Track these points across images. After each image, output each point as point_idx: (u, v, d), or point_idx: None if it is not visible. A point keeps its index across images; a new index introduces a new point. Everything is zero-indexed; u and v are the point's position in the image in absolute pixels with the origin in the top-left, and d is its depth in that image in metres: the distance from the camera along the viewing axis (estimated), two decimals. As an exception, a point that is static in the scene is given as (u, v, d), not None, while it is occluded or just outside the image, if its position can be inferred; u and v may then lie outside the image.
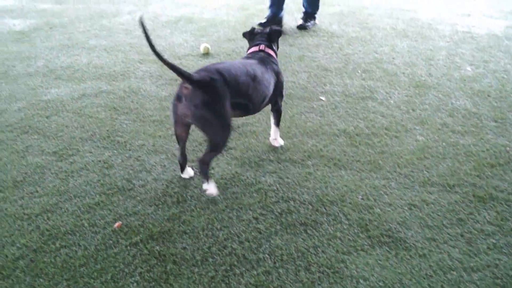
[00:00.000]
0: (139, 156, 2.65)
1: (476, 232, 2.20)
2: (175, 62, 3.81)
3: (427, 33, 4.68)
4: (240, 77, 2.29)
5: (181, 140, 2.36)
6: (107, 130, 2.90)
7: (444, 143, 2.88)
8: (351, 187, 2.46)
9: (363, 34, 4.62)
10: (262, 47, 2.68)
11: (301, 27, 4.67)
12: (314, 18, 4.69)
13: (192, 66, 3.79)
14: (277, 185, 2.45)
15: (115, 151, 2.70)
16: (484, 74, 3.85)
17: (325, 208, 2.31)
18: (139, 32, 4.57)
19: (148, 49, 4.02)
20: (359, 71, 3.79)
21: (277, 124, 2.75)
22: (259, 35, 2.79)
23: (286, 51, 4.16)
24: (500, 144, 2.90)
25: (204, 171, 2.27)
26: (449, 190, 2.47)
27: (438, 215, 2.30)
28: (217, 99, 2.15)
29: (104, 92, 3.38)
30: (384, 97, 3.41)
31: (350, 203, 2.35)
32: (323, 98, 3.36)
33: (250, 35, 2.85)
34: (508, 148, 2.85)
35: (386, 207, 2.34)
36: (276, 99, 2.65)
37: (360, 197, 2.40)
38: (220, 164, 2.60)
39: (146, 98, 3.29)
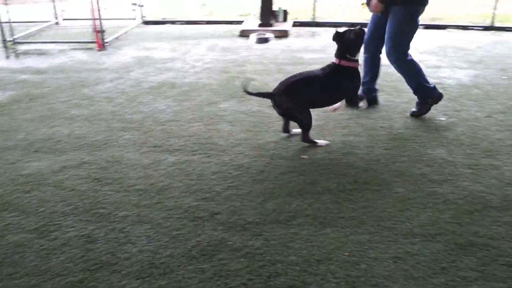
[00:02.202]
0: (124, 228, 2.65)
1: (459, 279, 2.25)
2: (158, 129, 3.91)
3: (401, 87, 4.81)
4: None
5: None
6: (90, 203, 2.90)
7: (423, 193, 2.96)
8: (337, 245, 2.49)
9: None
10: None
11: (413, 114, 4.15)
12: (428, 97, 4.10)
13: (175, 132, 3.86)
14: (264, 248, 2.47)
15: (98, 223, 2.70)
16: (457, 123, 3.99)
17: (312, 268, 2.33)
18: (121, 99, 4.66)
19: (131, 116, 4.14)
20: (340, 128, 3.89)
21: None
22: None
23: (266, 112, 4.26)
24: (477, 190, 2.99)
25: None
26: (431, 240, 2.53)
27: (422, 265, 2.34)
28: None
29: (86, 163, 3.40)
30: (364, 152, 3.50)
31: (337, 260, 2.38)
32: (305, 157, 3.43)
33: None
34: (483, 194, 2.95)
35: (371, 262, 2.37)
36: None
37: (346, 253, 2.43)
38: (206, 230, 2.62)
39: (129, 167, 3.32)
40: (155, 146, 3.63)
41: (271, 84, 4.99)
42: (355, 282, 2.23)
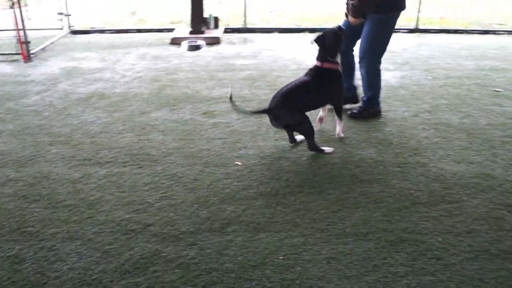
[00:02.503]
0: (53, 246, 2.57)
1: (390, 275, 2.35)
2: (87, 141, 3.82)
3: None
4: None
5: None
6: (17, 221, 2.79)
7: (355, 194, 3.05)
8: (272, 249, 2.53)
9: (271, 96, 4.79)
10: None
11: (351, 115, 4.33)
12: (371, 108, 4.32)
13: (106, 144, 3.79)
14: (199, 257, 2.47)
15: (26, 243, 2.60)
16: (385, 123, 4.15)
17: (248, 274, 2.35)
18: (48, 112, 4.52)
19: (59, 129, 4.02)
20: (272, 132, 3.95)
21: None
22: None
23: (199, 120, 4.25)
24: (405, 188, 3.13)
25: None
26: (363, 239, 2.62)
27: (355, 264, 2.42)
28: None
29: (12, 180, 3.27)
30: (296, 156, 3.57)
31: (271, 265, 2.41)
32: (238, 163, 3.46)
33: None
34: (412, 191, 3.09)
35: (306, 264, 2.42)
36: None
37: (281, 257, 2.46)
38: (139, 243, 2.58)
39: (58, 182, 3.22)
40: (84, 160, 3.54)
41: (204, 92, 5.01)
42: (290, 285, 2.27)
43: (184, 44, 6.99)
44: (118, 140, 3.86)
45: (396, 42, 7.23)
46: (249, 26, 8.24)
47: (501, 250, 2.54)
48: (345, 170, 3.35)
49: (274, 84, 5.18)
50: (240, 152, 3.63)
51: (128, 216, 2.83)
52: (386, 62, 6.07)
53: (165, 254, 2.49)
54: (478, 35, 7.95)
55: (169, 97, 4.86)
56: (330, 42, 3.59)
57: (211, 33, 7.55)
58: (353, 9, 3.93)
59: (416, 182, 3.19)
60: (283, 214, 2.83)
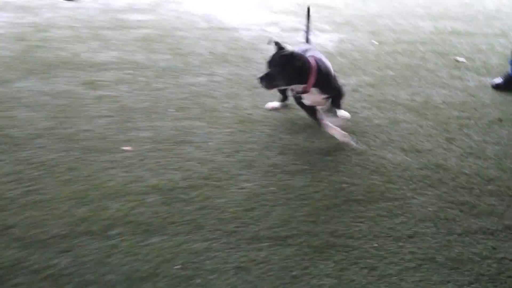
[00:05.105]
0: None
1: (312, 289, 2.49)
2: None
3: (250, 55, 5.11)
4: None
5: None
6: None
7: (274, 188, 3.21)
8: (166, 257, 2.63)
9: (173, 63, 4.91)
10: None
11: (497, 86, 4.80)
12: None
13: None
14: (73, 267, 2.53)
15: None
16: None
17: (135, 288, 2.46)
18: None
19: None
20: (172, 110, 4.07)
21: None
22: None
23: (78, 92, 4.27)
24: (336, 181, 3.29)
25: None
26: (281, 244, 2.74)
27: (269, 275, 2.53)
28: None
29: None
30: (203, 140, 3.70)
31: (165, 276, 2.51)
32: (128, 148, 3.55)
33: None
34: (344, 185, 3.26)
35: (208, 275, 2.53)
36: None
37: (177, 266, 2.59)
38: (-3, 249, 2.63)
39: None
40: None
41: (85, 55, 5.00)
42: (186, 301, 2.40)
43: (60, -8, 6.87)
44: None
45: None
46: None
47: (449, 258, 2.67)
48: (263, 158, 3.51)
49: (178, 47, 5.24)
50: (130, 134, 3.72)
51: (-20, 216, 2.85)
52: (321, 21, 6.31)
53: (30, 263, 2.54)
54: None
55: (39, 62, 4.81)
56: None
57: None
58: None
59: (350, 174, 3.37)
60: (182, 214, 2.94)
